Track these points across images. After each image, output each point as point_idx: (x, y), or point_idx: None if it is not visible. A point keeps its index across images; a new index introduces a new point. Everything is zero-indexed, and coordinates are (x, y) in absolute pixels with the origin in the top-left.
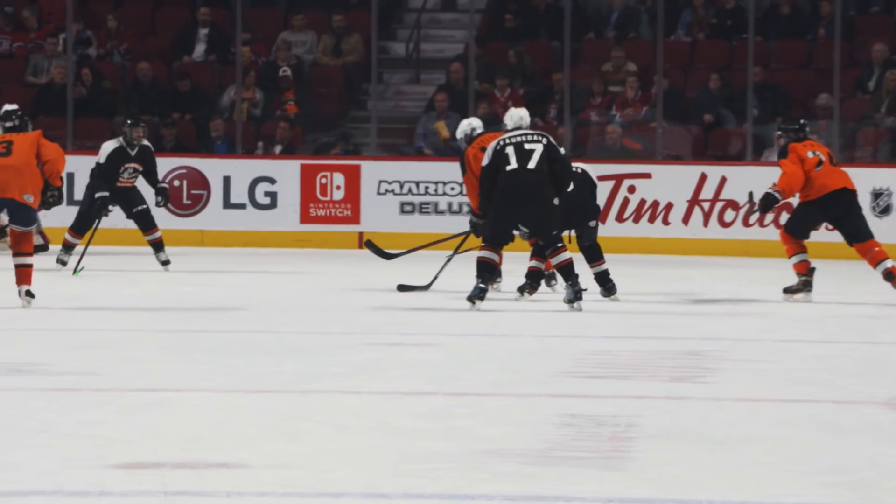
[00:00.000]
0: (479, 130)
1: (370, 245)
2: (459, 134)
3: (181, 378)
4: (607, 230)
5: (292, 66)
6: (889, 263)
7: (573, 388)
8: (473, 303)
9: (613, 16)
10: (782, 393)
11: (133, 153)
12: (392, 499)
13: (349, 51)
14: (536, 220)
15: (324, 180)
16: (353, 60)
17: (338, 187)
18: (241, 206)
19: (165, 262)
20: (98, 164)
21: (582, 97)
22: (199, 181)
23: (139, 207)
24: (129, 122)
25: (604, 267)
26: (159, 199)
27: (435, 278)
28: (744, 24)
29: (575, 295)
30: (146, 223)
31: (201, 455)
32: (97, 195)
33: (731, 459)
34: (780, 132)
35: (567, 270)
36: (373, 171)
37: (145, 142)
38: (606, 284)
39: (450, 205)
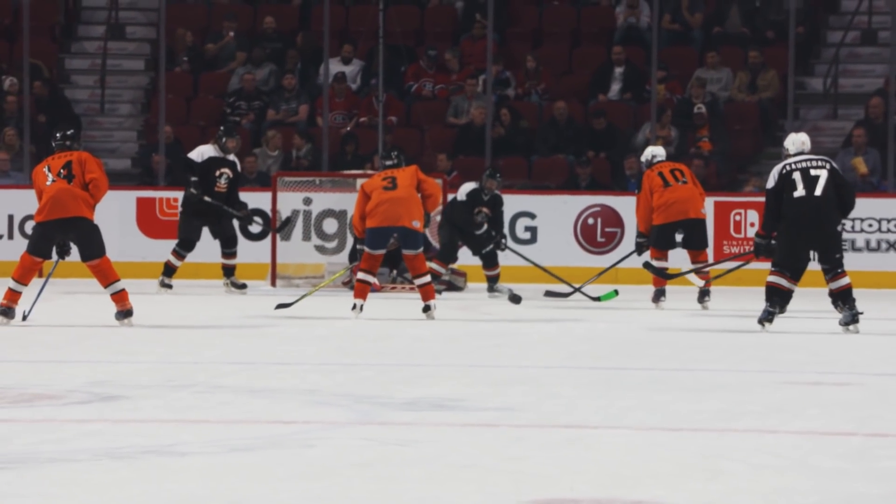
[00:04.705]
0: (658, 159)
1: (648, 266)
2: (643, 159)
3: (599, 415)
4: None
5: (707, 103)
6: None
7: None
8: (763, 325)
9: None
10: None
11: (486, 199)
12: None
13: (765, 87)
14: (823, 244)
15: (738, 217)
16: (768, 96)
17: (752, 224)
18: None
19: (516, 299)
20: (459, 200)
21: None
22: (612, 219)
23: (487, 249)
24: (487, 172)
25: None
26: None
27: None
28: None
29: (852, 318)
30: (490, 260)
31: (618, 492)
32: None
33: None
34: None
35: (846, 295)
36: None
37: (497, 191)
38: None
39: (867, 242)
